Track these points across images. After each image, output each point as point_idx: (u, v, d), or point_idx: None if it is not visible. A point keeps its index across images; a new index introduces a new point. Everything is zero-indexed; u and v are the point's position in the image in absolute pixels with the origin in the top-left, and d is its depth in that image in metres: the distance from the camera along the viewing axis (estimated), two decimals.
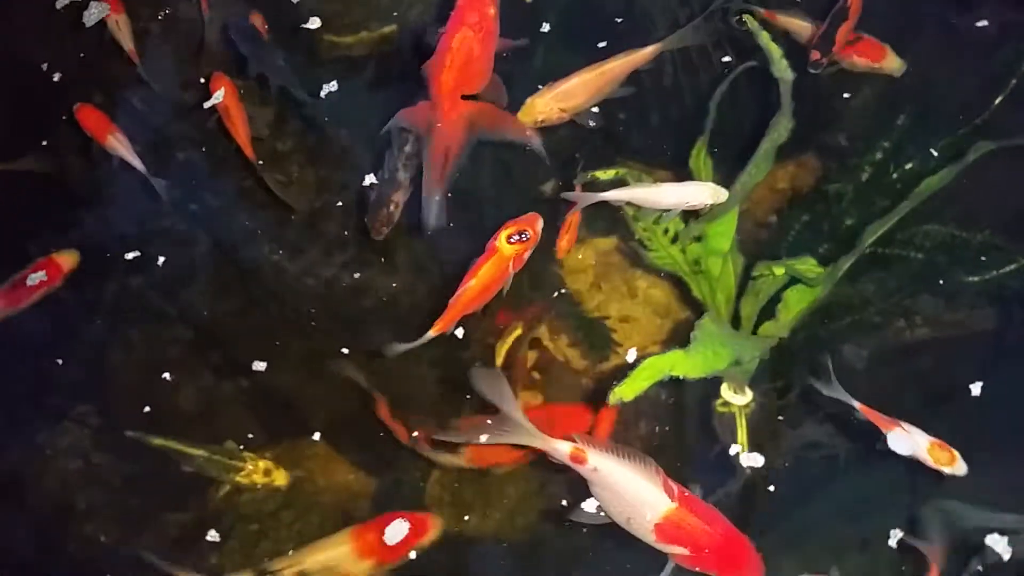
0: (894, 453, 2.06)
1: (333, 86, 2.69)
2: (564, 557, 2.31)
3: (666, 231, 2.37)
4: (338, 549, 2.21)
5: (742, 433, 2.22)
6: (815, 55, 2.46)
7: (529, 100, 2.48)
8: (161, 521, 2.41)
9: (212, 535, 2.35)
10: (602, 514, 2.02)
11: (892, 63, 2.51)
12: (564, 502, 2.25)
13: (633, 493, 1.94)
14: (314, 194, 2.67)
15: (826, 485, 2.26)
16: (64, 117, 2.73)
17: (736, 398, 2.25)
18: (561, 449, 1.98)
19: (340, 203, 2.65)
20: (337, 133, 2.74)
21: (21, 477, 2.46)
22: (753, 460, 2.19)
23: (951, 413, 2.23)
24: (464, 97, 2.44)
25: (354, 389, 2.44)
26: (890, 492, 2.21)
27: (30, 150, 2.77)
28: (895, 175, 2.36)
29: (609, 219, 2.49)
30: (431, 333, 2.20)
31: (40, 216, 2.62)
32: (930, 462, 2.04)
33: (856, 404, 2.08)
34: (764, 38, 2.37)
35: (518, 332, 2.45)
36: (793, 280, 2.27)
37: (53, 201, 2.75)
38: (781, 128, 2.26)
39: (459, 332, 2.32)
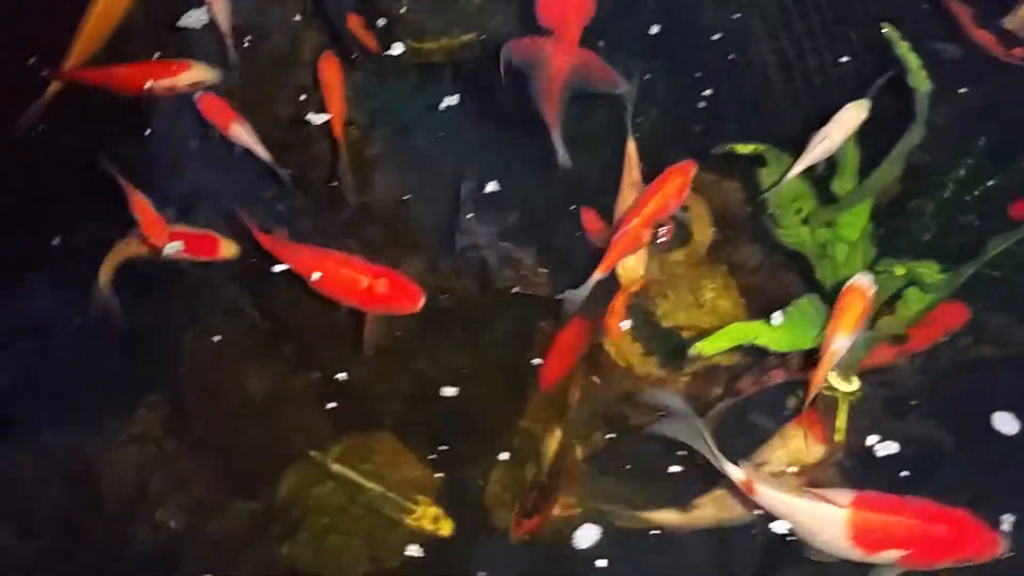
0: None
1: (454, 99, 2.72)
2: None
3: (799, 210, 2.41)
4: None
5: (842, 418, 2.28)
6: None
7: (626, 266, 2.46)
8: (230, 509, 2.48)
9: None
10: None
11: None
12: None
13: (807, 515, 2.00)
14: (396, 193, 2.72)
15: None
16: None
17: (843, 385, 2.32)
18: (734, 474, 2.05)
19: (410, 198, 2.70)
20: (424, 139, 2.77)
21: (95, 463, 2.51)
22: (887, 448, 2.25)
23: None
24: None
25: (424, 384, 2.51)
26: None
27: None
28: (977, 192, 2.39)
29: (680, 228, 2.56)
30: (596, 276, 2.28)
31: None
32: None
33: None
34: (903, 48, 2.34)
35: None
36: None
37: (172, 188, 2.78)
38: (914, 136, 2.29)
39: None
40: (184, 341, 2.62)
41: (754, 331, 2.18)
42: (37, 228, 2.72)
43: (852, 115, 2.34)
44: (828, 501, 1.98)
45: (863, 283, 2.11)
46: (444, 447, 2.48)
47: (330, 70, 2.63)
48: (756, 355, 2.37)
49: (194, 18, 2.75)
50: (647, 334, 2.47)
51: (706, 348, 2.18)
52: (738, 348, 2.28)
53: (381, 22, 2.79)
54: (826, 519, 1.98)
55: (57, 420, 2.54)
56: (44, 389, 2.57)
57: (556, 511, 2.37)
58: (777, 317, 2.20)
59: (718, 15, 2.70)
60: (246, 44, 2.78)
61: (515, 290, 2.49)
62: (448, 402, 2.50)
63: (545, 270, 2.48)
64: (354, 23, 2.78)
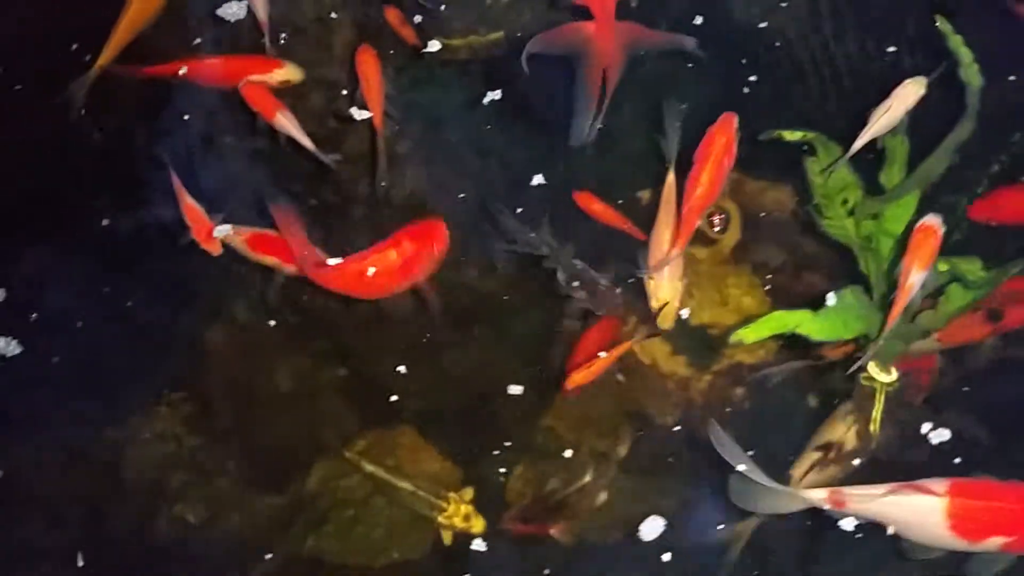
0: None
1: (497, 94, 2.70)
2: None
3: (845, 201, 2.42)
4: None
5: (878, 408, 2.31)
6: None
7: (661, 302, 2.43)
8: (254, 503, 2.48)
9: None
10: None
11: None
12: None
13: (903, 509, 2.01)
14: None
15: None
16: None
17: (882, 375, 2.34)
18: (817, 498, 2.07)
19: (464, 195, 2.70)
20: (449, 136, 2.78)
21: (117, 458, 2.51)
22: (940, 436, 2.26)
23: None
24: None
25: (447, 381, 2.52)
26: None
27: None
28: None
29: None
30: (675, 251, 2.31)
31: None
32: None
33: None
34: (956, 42, 2.35)
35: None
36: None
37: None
38: (964, 130, 2.31)
39: None
40: (208, 336, 2.62)
41: (796, 319, 2.20)
42: (67, 218, 2.71)
43: (911, 90, 2.34)
44: (924, 491, 1.98)
45: (933, 221, 2.16)
46: (466, 443, 2.49)
47: (368, 64, 2.62)
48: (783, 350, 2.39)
49: (233, 10, 2.76)
50: (674, 331, 2.47)
51: (748, 335, 2.20)
52: (768, 341, 2.31)
53: (417, 19, 2.79)
54: (923, 510, 1.98)
55: (82, 415, 2.53)
56: (70, 384, 2.56)
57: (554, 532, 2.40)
58: (831, 298, 2.22)
59: (764, 4, 2.72)
60: (282, 40, 2.79)
61: (584, 306, 2.48)
62: (472, 398, 2.51)
63: (619, 290, 2.48)
64: (393, 16, 2.79)
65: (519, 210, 2.55)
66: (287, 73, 2.70)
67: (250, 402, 2.56)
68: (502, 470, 2.47)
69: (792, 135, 2.45)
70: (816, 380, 2.44)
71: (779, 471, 2.28)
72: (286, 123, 2.59)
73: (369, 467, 2.45)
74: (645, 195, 2.64)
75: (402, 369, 2.52)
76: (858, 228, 2.42)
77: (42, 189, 2.73)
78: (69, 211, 2.74)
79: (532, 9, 2.79)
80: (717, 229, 2.57)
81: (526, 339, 2.58)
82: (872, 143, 2.35)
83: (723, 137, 2.32)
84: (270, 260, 2.53)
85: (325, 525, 2.43)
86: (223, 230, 2.49)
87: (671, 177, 2.46)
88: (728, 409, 2.45)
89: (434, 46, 2.75)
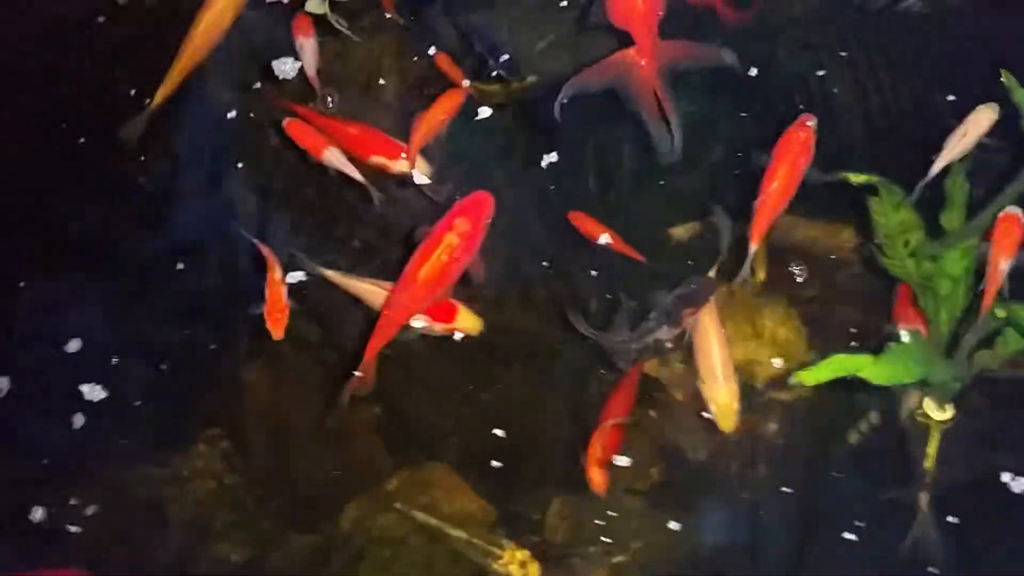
0: None
1: (553, 157, 2.73)
2: None
3: (906, 242, 2.44)
4: None
5: (932, 446, 2.33)
6: None
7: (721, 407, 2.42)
8: (291, 542, 2.50)
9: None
10: None
11: None
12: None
13: None
14: None
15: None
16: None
17: (937, 412, 2.36)
18: None
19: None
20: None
21: (158, 498, 2.54)
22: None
23: None
24: None
25: (484, 418, 2.53)
26: None
27: None
28: None
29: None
30: (753, 245, 2.33)
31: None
32: None
33: None
34: (1020, 95, 2.39)
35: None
36: None
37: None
38: None
39: None
40: (245, 374, 2.65)
41: (857, 364, 2.19)
42: (105, 260, 2.79)
43: (985, 115, 2.39)
44: None
45: (1016, 211, 2.25)
46: (501, 481, 2.50)
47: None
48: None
49: (288, 67, 2.81)
50: None
51: (808, 378, 2.18)
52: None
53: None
54: None
55: (123, 454, 2.57)
56: (112, 423, 2.59)
57: None
58: (905, 334, 2.29)
59: (827, 52, 2.74)
60: (330, 102, 2.84)
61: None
62: (507, 436, 2.52)
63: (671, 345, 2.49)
64: (442, 60, 2.84)
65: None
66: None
67: (285, 440, 2.59)
68: (538, 508, 2.47)
69: (857, 178, 2.47)
70: (852, 416, 2.44)
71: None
72: (334, 159, 2.61)
73: (420, 516, 2.45)
74: (677, 231, 2.66)
75: (438, 406, 2.55)
76: (919, 268, 2.44)
77: (89, 231, 2.81)
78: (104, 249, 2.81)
79: (566, 57, 2.82)
80: (800, 280, 2.57)
81: (564, 378, 2.59)
82: (936, 183, 2.41)
83: (801, 135, 2.37)
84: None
85: (361, 564, 2.44)
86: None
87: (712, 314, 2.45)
88: (761, 445, 2.45)
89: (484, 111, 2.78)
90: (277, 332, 2.43)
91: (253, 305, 2.44)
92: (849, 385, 2.24)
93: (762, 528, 2.41)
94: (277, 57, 2.84)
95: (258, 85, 2.91)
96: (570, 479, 2.45)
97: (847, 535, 2.32)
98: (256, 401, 2.64)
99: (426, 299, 2.37)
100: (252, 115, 2.90)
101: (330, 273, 2.52)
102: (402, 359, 2.55)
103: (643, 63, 2.49)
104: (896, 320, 2.46)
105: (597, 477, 2.37)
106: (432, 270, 2.35)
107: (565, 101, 2.51)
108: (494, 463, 2.50)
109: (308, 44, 2.78)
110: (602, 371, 2.54)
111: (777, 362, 2.50)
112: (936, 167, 2.39)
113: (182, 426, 2.62)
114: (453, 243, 2.36)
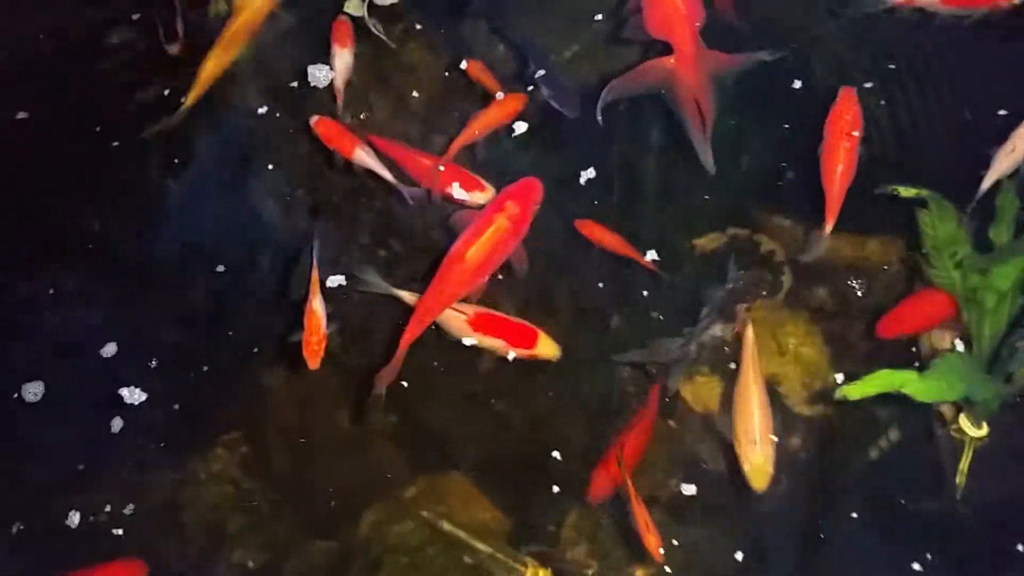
0: None
1: (591, 172, 2.71)
2: None
3: (954, 253, 2.45)
4: None
5: (965, 462, 2.32)
6: None
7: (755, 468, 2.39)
8: (308, 548, 2.49)
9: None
10: None
11: None
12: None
13: None
14: None
15: None
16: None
17: (972, 429, 2.35)
18: None
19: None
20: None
21: (175, 501, 2.53)
22: None
23: None
24: None
25: (501, 428, 2.53)
26: None
27: None
28: None
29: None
30: (828, 226, 2.40)
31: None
32: None
33: None
34: None
35: None
36: None
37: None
38: None
39: None
40: (264, 379, 2.65)
41: (901, 380, 2.22)
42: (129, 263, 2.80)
43: None
44: None
45: None
46: (519, 492, 2.49)
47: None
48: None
49: (323, 75, 2.81)
50: (727, 379, 2.48)
51: (852, 392, 2.23)
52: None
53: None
54: None
55: (141, 456, 2.56)
56: (131, 425, 2.59)
57: None
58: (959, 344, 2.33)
59: (874, 66, 2.74)
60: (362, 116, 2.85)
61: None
62: (525, 447, 2.52)
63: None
64: (474, 67, 2.84)
65: None
66: (486, 197, 2.62)
67: (304, 446, 2.58)
68: (554, 520, 2.45)
69: (907, 191, 2.50)
70: (874, 432, 2.43)
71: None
72: (366, 157, 2.59)
73: (446, 527, 2.44)
74: (700, 242, 2.65)
75: (459, 416, 2.54)
76: (965, 281, 2.43)
77: (116, 234, 2.82)
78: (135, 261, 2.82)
79: (590, 66, 2.82)
80: (860, 293, 2.57)
81: (586, 389, 2.57)
82: (985, 197, 2.45)
83: (848, 111, 2.49)
84: (492, 342, 2.46)
85: (379, 572, 2.43)
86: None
87: (750, 332, 2.45)
88: (783, 458, 2.42)
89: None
90: (313, 362, 2.39)
91: (293, 332, 2.44)
92: (874, 399, 2.27)
93: (779, 540, 2.40)
94: (312, 60, 2.86)
95: (294, 84, 2.90)
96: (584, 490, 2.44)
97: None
98: (276, 406, 2.63)
99: (470, 283, 2.35)
100: (283, 116, 2.90)
101: (404, 294, 2.51)
102: (422, 368, 2.54)
103: (683, 73, 2.48)
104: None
105: (598, 488, 2.37)
106: (480, 252, 2.34)
107: (605, 104, 2.52)
108: (510, 474, 2.50)
109: (344, 54, 2.79)
110: (625, 387, 2.53)
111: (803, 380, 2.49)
112: (986, 182, 2.42)
113: (201, 429, 2.61)
114: (503, 225, 2.35)
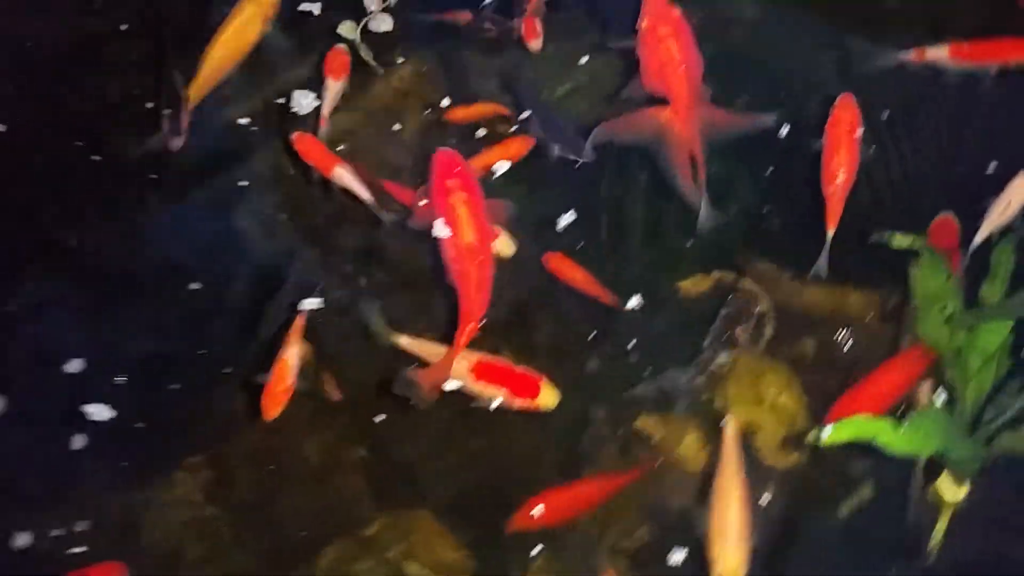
0: None
1: (571, 216, 2.68)
2: None
3: (943, 308, 2.40)
4: None
5: (941, 526, 2.28)
6: None
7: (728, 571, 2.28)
8: None
9: None
10: None
11: None
12: None
13: None
14: None
15: None
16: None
17: (950, 491, 2.31)
18: None
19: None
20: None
21: (134, 524, 2.46)
22: None
23: None
24: None
25: (473, 467, 2.48)
26: None
27: None
28: None
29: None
30: (829, 231, 2.43)
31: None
32: None
33: None
34: None
35: None
36: None
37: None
38: None
39: None
40: (234, 402, 2.57)
41: (875, 429, 2.17)
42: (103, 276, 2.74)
43: None
44: None
45: None
46: (485, 532, 2.43)
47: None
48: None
49: (306, 102, 2.77)
50: (707, 426, 2.44)
51: (826, 438, 2.17)
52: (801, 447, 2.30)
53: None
54: None
55: (101, 476, 2.49)
56: (93, 443, 2.51)
57: None
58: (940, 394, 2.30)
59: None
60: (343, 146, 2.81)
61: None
62: (496, 487, 2.47)
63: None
64: (457, 112, 2.82)
65: None
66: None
67: (269, 474, 2.52)
68: (520, 563, 2.40)
69: (902, 240, 2.46)
70: (848, 488, 2.39)
71: None
72: (346, 176, 2.55)
73: (410, 569, 2.38)
74: (685, 284, 2.63)
75: (430, 452, 2.49)
76: (952, 338, 2.39)
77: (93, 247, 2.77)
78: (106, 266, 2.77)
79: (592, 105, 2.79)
80: (844, 347, 2.54)
81: (559, 430, 2.52)
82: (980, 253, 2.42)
83: (847, 114, 2.49)
84: (494, 392, 2.40)
85: None
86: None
87: (732, 428, 2.38)
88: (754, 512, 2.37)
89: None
90: (272, 412, 2.33)
91: (261, 372, 2.39)
92: (851, 454, 2.26)
93: None
94: (299, 81, 2.82)
95: (280, 101, 2.86)
96: (555, 534, 2.40)
97: None
98: (244, 431, 2.56)
99: (486, 250, 2.35)
100: (268, 134, 2.85)
101: (404, 340, 2.47)
102: (399, 401, 2.46)
103: (678, 126, 2.45)
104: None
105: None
106: (471, 228, 2.33)
107: (593, 148, 2.49)
108: (478, 513, 2.45)
109: (335, 85, 2.75)
110: (600, 430, 2.49)
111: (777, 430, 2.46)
112: (979, 237, 2.40)
113: (165, 451, 2.55)
114: (464, 198, 2.35)
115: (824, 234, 2.49)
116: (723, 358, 2.46)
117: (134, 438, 2.53)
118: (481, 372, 2.41)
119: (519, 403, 2.41)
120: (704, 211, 2.52)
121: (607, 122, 2.56)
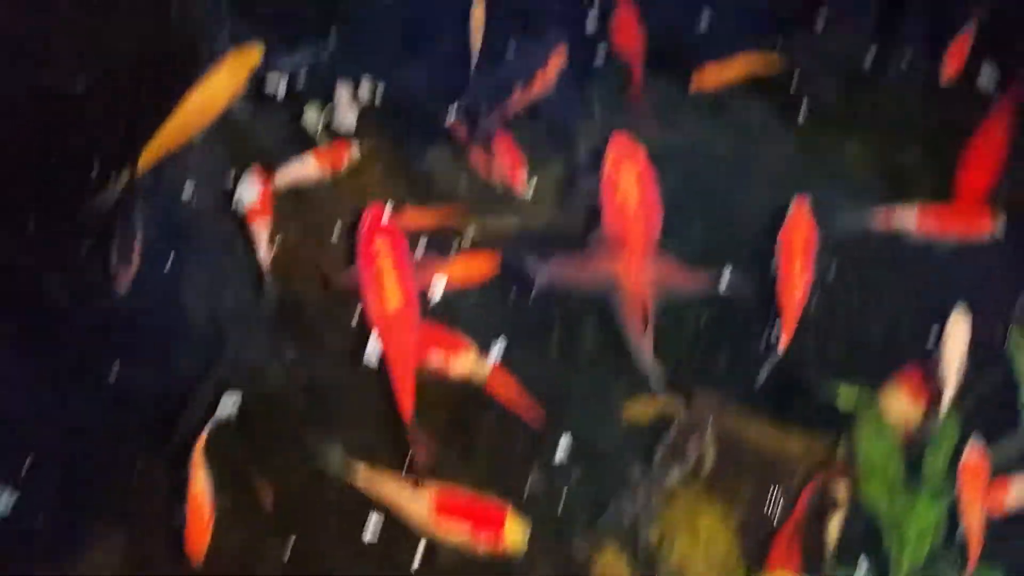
0: None
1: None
2: None
3: (885, 474, 2.38)
4: None
5: None
6: None
7: None
8: None
9: None
10: None
11: None
12: None
13: None
14: None
15: None
16: None
17: None
18: None
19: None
20: None
21: None
22: None
23: None
24: None
25: None
26: None
27: None
28: None
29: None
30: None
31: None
32: None
33: None
34: (1020, 366, 2.41)
35: None
36: None
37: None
38: (1011, 449, 2.36)
39: None
40: (153, 479, 2.49)
41: None
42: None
43: (959, 326, 2.35)
44: None
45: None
46: None
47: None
48: None
49: (248, 196, 2.69)
50: (642, 558, 2.42)
51: None
52: None
53: None
54: None
55: (9, 560, 2.42)
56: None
57: None
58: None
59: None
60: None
61: None
62: None
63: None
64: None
65: None
66: (467, 364, 2.50)
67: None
68: None
69: (848, 396, 2.43)
70: None
71: None
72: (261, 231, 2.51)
73: None
74: (630, 406, 2.57)
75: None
76: (891, 506, 2.36)
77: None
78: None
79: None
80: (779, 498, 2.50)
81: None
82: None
83: (802, 224, 2.48)
84: (456, 528, 2.29)
85: None
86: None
87: None
88: None
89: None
90: (197, 556, 2.21)
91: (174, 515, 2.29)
92: None
93: None
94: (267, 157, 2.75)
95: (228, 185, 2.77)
96: None
97: None
98: (163, 511, 2.46)
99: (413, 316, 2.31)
100: (216, 211, 2.75)
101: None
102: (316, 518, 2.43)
103: (631, 277, 2.44)
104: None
105: None
106: (399, 287, 2.32)
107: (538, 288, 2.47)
108: None
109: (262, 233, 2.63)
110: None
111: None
112: (943, 410, 2.34)
113: (78, 531, 2.46)
114: (387, 243, 2.36)
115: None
116: (677, 472, 2.44)
117: (44, 519, 2.46)
118: (443, 507, 2.31)
119: (483, 542, 2.31)
120: (650, 366, 2.48)
121: (554, 265, 2.50)
